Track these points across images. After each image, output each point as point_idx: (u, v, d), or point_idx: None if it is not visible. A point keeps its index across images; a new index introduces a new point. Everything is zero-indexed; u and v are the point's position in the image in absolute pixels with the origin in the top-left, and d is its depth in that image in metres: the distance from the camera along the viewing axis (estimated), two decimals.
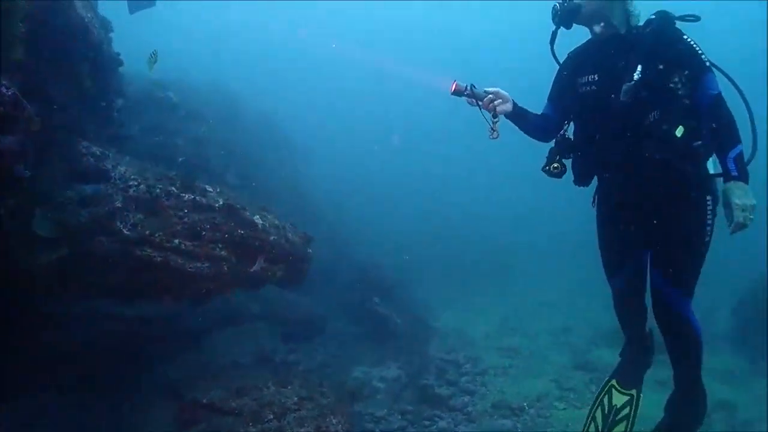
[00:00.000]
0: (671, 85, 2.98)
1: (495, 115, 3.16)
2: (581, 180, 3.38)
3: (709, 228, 3.14)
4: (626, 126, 3.05)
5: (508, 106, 3.23)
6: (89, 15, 4.79)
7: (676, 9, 3.10)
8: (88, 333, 5.12)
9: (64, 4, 4.36)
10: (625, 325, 3.69)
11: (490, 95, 3.16)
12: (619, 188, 3.30)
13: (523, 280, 14.04)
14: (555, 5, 3.18)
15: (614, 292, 3.59)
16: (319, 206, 11.12)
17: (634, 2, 3.19)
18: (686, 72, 2.98)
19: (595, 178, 3.43)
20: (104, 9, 5.99)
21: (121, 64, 6.15)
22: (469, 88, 3.13)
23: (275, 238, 4.81)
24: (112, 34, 6.08)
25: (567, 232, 17.03)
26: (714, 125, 2.93)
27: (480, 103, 3.16)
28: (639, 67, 2.96)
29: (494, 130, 3.17)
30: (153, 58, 6.10)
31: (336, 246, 9.81)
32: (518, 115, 3.32)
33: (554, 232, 18.21)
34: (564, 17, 3.16)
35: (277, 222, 4.97)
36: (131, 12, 8.95)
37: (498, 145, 3.47)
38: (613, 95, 3.05)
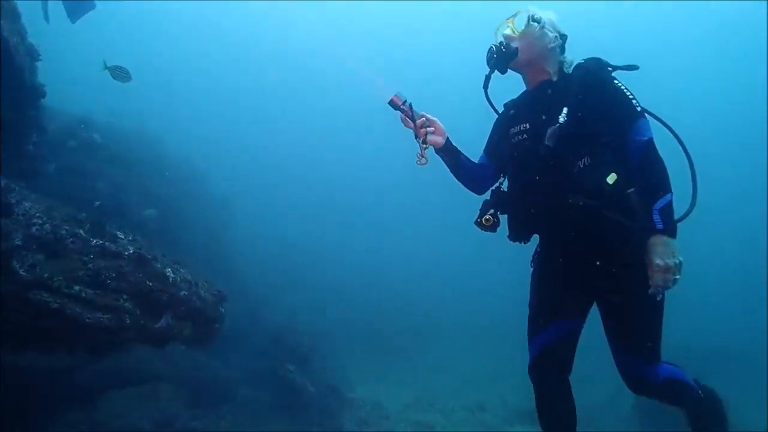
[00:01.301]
0: (600, 130, 2.84)
1: (425, 141, 3.03)
2: (515, 235, 3.11)
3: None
4: (555, 174, 2.88)
5: (440, 140, 3.10)
6: (15, 39, 4.56)
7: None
8: None
9: None
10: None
11: (423, 119, 3.05)
12: (553, 244, 3.11)
13: (444, 351, 13.97)
14: (491, 47, 3.06)
15: (534, 357, 3.14)
16: (237, 262, 10.79)
17: (568, 57, 3.11)
18: (616, 117, 2.85)
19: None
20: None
21: (43, 95, 5.82)
22: (407, 104, 3.02)
23: (186, 293, 4.53)
24: (38, 63, 5.80)
25: (496, 300, 17.19)
26: (641, 173, 2.77)
27: (413, 124, 3.04)
28: (564, 110, 2.84)
29: (422, 156, 3.02)
30: (123, 72, 5.95)
31: (252, 306, 9.46)
32: (450, 153, 3.18)
33: (484, 298, 18.33)
34: (500, 61, 3.05)
35: (189, 277, 4.70)
36: (73, 21, 8.60)
37: (434, 200, 3.27)
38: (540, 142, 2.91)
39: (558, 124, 2.83)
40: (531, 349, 3.17)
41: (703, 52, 30.87)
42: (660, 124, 3.00)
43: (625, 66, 3.00)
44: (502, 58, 3.04)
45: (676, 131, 3.00)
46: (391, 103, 3.01)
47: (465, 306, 17.95)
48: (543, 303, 3.17)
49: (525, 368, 3.15)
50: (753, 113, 28.51)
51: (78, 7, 8.51)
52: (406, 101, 3.02)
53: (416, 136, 3.05)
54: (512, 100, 3.31)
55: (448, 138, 3.15)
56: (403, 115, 3.05)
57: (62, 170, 7.67)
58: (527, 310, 3.24)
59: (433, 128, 3.08)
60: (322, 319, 12.22)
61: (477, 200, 3.23)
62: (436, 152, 3.15)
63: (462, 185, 3.37)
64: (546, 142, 2.85)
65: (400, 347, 13.47)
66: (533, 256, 3.29)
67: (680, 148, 3.01)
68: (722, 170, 27.35)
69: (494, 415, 9.64)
